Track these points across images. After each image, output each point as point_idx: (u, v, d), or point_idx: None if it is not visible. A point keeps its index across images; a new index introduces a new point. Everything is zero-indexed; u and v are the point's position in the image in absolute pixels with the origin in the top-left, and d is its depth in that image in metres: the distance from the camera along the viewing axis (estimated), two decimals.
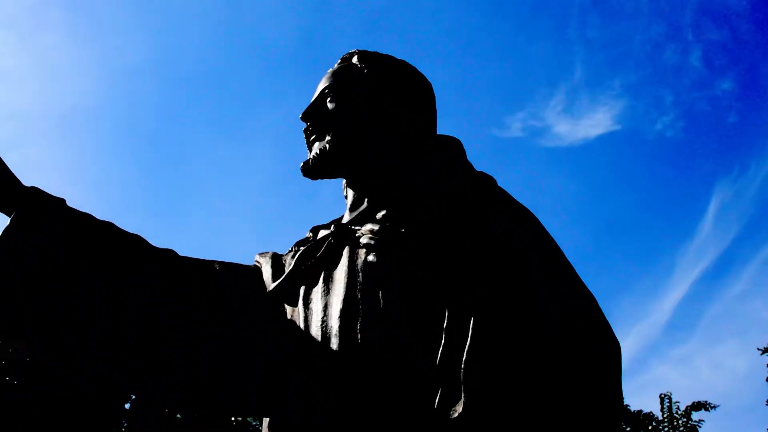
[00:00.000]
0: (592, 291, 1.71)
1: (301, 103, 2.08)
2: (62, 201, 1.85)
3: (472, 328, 1.48)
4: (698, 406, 24.86)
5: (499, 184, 1.81)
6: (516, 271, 1.57)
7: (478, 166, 1.84)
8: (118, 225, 1.91)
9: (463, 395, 1.43)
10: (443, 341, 1.51)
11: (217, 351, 1.82)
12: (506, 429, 1.43)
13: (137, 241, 1.90)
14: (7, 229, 1.76)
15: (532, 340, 1.48)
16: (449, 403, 1.45)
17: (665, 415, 24.72)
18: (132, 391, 1.82)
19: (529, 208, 1.79)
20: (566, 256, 1.74)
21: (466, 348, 1.46)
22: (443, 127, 2.07)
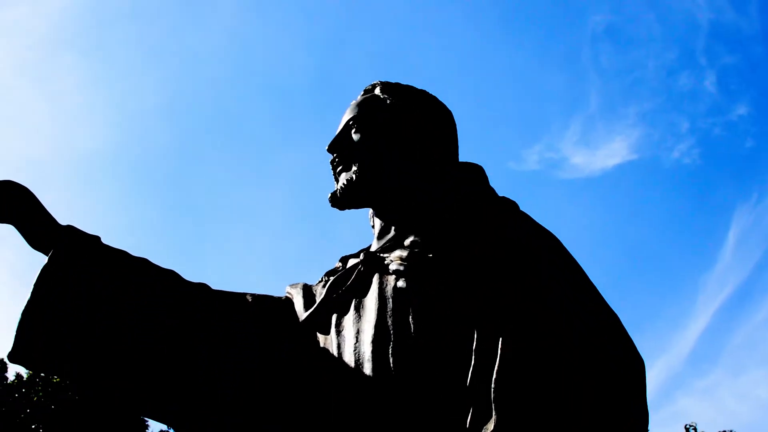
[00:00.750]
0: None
1: (318, 142, 2.13)
2: (97, 238, 1.90)
3: (501, 349, 1.52)
4: None
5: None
6: (536, 279, 1.61)
7: None
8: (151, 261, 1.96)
9: (494, 413, 1.47)
10: (473, 362, 1.55)
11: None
12: None
13: (173, 275, 1.95)
14: (46, 266, 1.82)
15: (556, 355, 1.52)
16: (481, 422, 1.49)
17: None
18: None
19: (566, 245, 1.82)
20: (589, 278, 1.77)
21: (496, 368, 1.50)
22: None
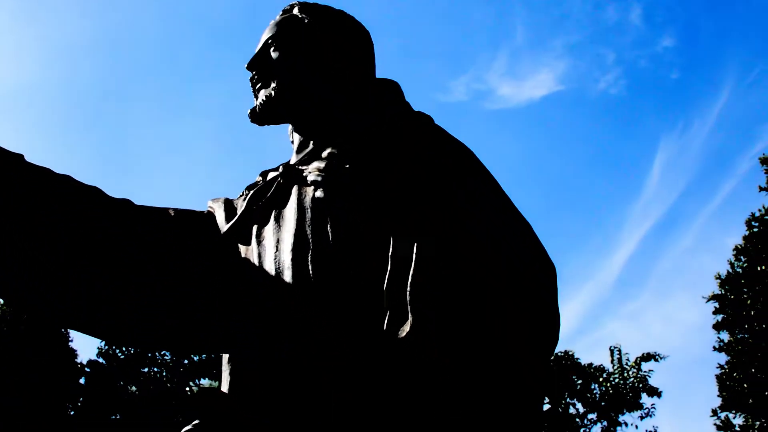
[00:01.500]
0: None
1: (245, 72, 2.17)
2: (21, 156, 1.93)
3: (416, 253, 1.58)
4: (648, 357, 25.26)
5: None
6: (451, 194, 1.69)
7: None
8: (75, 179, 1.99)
9: (409, 315, 1.53)
10: (389, 267, 1.61)
11: (164, 291, 1.92)
12: (451, 344, 1.53)
13: (96, 192, 1.98)
14: None
15: (469, 259, 1.61)
16: (397, 324, 1.55)
17: (615, 367, 25.13)
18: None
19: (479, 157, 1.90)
20: (501, 186, 1.85)
21: (411, 272, 1.57)
22: None
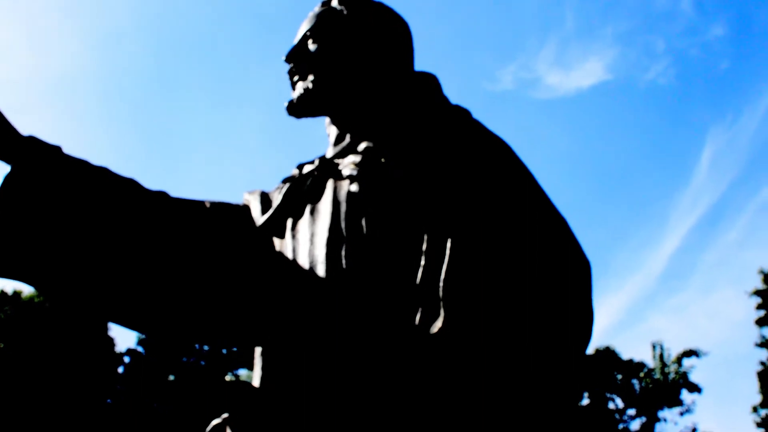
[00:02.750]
0: (586, 243, 1.80)
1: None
2: (58, 148, 1.93)
3: (449, 249, 1.59)
4: (689, 353, 25.13)
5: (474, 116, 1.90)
6: (486, 190, 1.67)
7: None
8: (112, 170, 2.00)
9: (441, 311, 1.53)
10: (423, 262, 1.62)
11: (200, 284, 1.92)
12: (482, 341, 1.52)
13: (131, 184, 1.98)
14: (8, 177, 1.85)
15: (503, 256, 1.59)
16: (430, 320, 1.56)
17: (657, 363, 25.01)
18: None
19: (518, 152, 1.87)
20: (540, 184, 1.83)
21: (444, 267, 1.57)
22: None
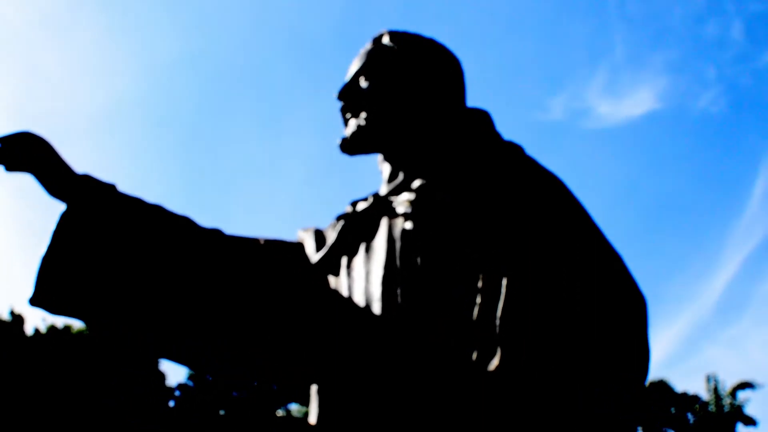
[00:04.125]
0: (640, 273, 1.79)
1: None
2: (113, 186, 1.96)
3: (505, 287, 1.59)
4: (744, 385, 24.75)
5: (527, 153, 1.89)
6: (540, 228, 1.66)
7: None
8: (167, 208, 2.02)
9: (498, 349, 1.53)
10: (479, 301, 1.62)
11: (257, 324, 1.92)
12: (541, 377, 1.52)
13: (186, 222, 2.00)
14: (63, 215, 1.89)
15: (559, 296, 1.59)
16: (486, 358, 1.56)
17: (711, 396, 24.66)
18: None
19: (572, 188, 1.86)
20: (594, 220, 1.81)
21: (500, 306, 1.58)
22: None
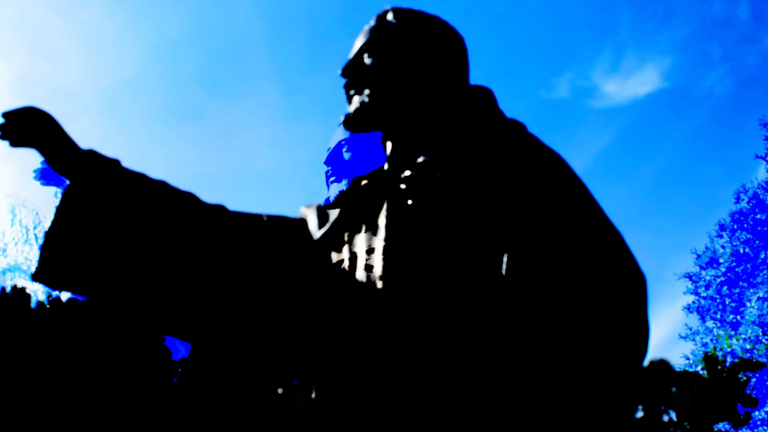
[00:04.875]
0: (643, 253, 1.80)
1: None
2: (117, 162, 1.96)
3: (506, 264, 1.61)
4: (745, 365, 24.76)
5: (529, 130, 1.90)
6: (541, 205, 1.67)
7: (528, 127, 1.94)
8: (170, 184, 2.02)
9: (500, 326, 1.56)
10: (483, 288, 1.64)
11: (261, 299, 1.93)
12: (541, 355, 1.54)
13: (190, 198, 2.01)
14: (67, 190, 1.89)
15: (560, 275, 1.60)
16: (488, 335, 1.57)
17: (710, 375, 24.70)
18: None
19: (576, 168, 1.87)
20: (595, 198, 1.82)
21: (501, 281, 1.60)
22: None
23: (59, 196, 1.94)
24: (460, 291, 1.68)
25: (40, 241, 1.94)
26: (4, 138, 1.91)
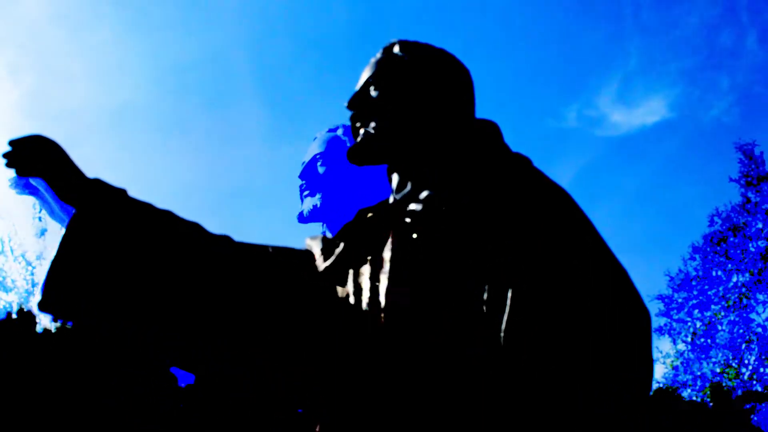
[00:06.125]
0: (649, 285, 1.79)
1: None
2: (124, 191, 1.97)
3: (510, 301, 1.60)
4: (750, 396, 24.67)
5: (535, 165, 1.90)
6: (546, 241, 1.67)
7: (535, 156, 1.95)
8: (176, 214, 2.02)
9: (504, 362, 1.55)
10: (486, 312, 1.64)
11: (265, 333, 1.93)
12: (545, 389, 1.53)
13: (195, 228, 2.01)
14: (73, 219, 1.89)
15: (563, 310, 1.59)
16: (492, 370, 1.57)
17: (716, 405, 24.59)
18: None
19: (581, 199, 1.88)
20: (599, 231, 1.82)
21: (505, 318, 1.59)
22: (500, 119, 2.15)
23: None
24: (462, 298, 1.70)
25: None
26: (10, 166, 1.91)
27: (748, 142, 20.04)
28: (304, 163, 8.04)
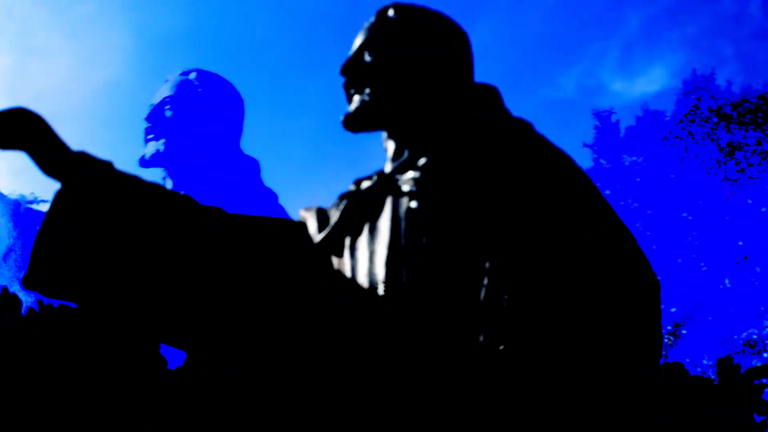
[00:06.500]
0: (653, 256, 1.75)
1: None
2: (110, 164, 1.92)
3: (514, 268, 1.57)
4: (762, 371, 24.82)
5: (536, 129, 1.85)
6: (548, 207, 1.63)
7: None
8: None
9: (508, 330, 1.52)
10: (486, 281, 1.59)
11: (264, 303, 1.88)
12: (551, 358, 1.51)
13: (185, 200, 1.96)
14: (59, 193, 1.85)
15: (569, 281, 1.56)
16: (494, 339, 1.54)
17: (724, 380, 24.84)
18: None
19: (581, 166, 1.83)
20: (604, 198, 1.77)
21: (508, 288, 1.56)
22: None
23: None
24: (463, 295, 1.64)
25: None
26: None
27: None
28: (151, 105, 7.81)
